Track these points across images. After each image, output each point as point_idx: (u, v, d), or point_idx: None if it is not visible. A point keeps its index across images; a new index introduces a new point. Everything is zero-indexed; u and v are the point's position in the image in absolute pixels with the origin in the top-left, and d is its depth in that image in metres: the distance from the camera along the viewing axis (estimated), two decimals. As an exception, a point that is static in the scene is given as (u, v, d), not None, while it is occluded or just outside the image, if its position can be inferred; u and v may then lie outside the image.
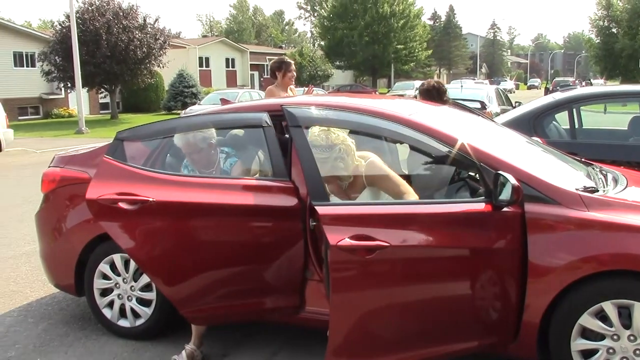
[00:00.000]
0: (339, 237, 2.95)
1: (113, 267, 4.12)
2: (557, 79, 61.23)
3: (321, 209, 3.02)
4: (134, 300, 4.09)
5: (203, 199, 3.49)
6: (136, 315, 4.11)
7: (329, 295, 3.11)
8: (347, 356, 3.10)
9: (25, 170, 13.10)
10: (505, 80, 69.71)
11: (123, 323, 4.15)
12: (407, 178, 3.75)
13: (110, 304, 4.18)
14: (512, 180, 2.93)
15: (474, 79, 53.06)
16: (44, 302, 4.91)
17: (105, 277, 4.15)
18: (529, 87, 76.50)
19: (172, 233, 3.47)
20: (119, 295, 4.13)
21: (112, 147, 3.60)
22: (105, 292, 4.18)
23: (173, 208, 3.44)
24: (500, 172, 3.03)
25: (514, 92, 54.68)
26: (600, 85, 30.79)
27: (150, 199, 3.39)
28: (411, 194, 3.39)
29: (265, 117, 3.71)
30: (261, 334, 4.15)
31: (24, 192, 10.05)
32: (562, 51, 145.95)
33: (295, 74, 6.24)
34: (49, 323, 4.46)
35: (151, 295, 4.03)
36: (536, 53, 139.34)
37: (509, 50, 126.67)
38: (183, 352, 3.74)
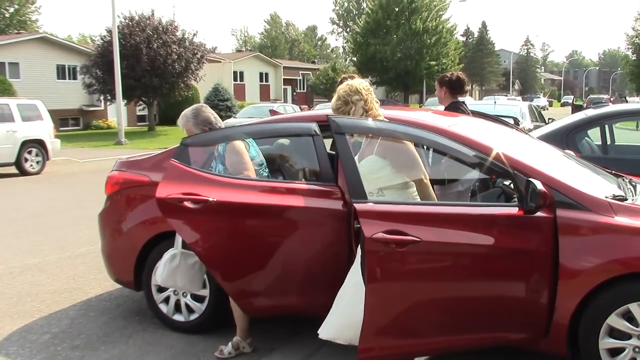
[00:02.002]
0: (374, 230, 3.22)
1: (170, 264, 4.41)
2: (591, 96, 60.53)
3: (359, 206, 3.31)
4: (188, 296, 4.39)
5: (256, 200, 3.79)
6: (190, 310, 4.41)
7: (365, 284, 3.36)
8: (378, 339, 3.34)
9: (72, 178, 13.68)
10: (539, 97, 69.19)
11: (178, 317, 4.46)
12: (441, 182, 4.01)
13: (167, 300, 4.49)
14: (540, 186, 3.18)
15: (507, 96, 52.76)
16: (102, 298, 5.27)
17: (162, 273, 4.45)
18: (563, 104, 75.59)
19: (230, 231, 3.78)
20: (174, 291, 4.43)
21: (178, 152, 3.91)
22: (162, 289, 4.48)
23: (231, 208, 3.73)
24: (530, 179, 3.27)
25: (547, 109, 54.25)
26: (635, 103, 30.47)
27: (211, 199, 3.71)
28: (426, 187, 3.56)
29: (314, 126, 3.99)
30: (307, 329, 4.39)
31: (73, 197, 10.58)
32: (597, 68, 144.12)
33: None
34: (109, 317, 4.81)
35: (205, 292, 4.32)
36: (570, 70, 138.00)
37: (542, 67, 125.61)
38: (229, 342, 4.05)
